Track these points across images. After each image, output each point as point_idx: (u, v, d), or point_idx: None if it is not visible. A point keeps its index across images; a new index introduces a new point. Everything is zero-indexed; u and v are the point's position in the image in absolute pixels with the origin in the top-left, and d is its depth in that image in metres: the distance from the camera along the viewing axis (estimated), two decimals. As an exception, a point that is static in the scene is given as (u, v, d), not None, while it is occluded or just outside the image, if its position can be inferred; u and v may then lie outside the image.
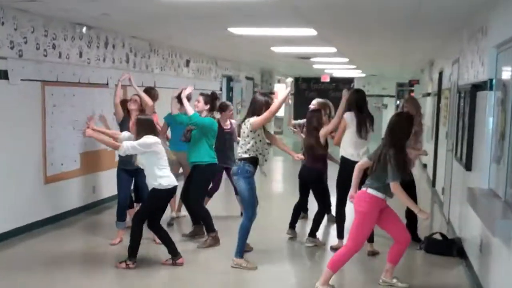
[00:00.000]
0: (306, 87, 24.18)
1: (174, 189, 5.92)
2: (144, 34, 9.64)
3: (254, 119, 5.83)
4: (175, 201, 7.63)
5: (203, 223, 6.84)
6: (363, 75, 21.92)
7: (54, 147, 7.56)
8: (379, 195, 5.18)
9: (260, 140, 5.87)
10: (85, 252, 6.61)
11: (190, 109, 6.55)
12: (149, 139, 5.70)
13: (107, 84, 8.73)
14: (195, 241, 6.84)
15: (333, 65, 16.44)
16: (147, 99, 6.91)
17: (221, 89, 14.80)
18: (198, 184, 6.77)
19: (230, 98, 15.25)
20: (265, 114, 5.79)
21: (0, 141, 6.58)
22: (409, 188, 6.93)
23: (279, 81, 22.90)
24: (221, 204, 8.07)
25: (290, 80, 5.96)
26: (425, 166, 13.72)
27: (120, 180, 6.72)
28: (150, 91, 7.66)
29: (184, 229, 7.35)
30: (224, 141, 7.65)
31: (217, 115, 7.50)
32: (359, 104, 6.56)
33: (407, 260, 6.33)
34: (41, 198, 7.37)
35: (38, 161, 7.30)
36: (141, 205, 6.30)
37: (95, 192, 8.61)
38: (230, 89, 15.60)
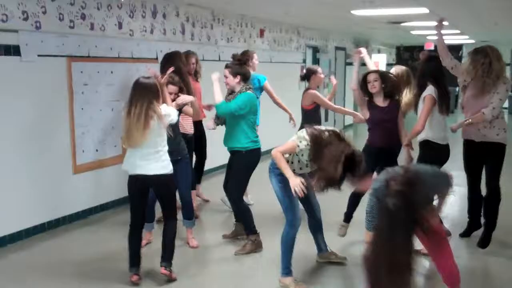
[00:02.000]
0: (409, 56, 22.36)
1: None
2: (203, 2, 8.54)
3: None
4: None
5: (241, 222, 5.69)
6: (472, 41, 19.61)
7: (86, 132, 6.67)
8: None
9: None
10: (104, 256, 5.51)
11: (217, 96, 5.42)
12: None
13: (157, 58, 7.70)
14: (237, 244, 5.72)
15: (433, 31, 14.55)
16: (185, 106, 5.49)
17: (304, 61, 13.47)
18: (237, 174, 5.56)
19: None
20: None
21: (12, 125, 5.74)
22: None
23: (379, 51, 21.18)
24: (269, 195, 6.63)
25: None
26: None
27: None
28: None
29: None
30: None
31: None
32: (436, 75, 5.22)
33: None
34: (68, 191, 6.50)
35: (65, 149, 6.43)
36: None
37: (142, 181, 7.66)
38: (316, 61, 14.20)
